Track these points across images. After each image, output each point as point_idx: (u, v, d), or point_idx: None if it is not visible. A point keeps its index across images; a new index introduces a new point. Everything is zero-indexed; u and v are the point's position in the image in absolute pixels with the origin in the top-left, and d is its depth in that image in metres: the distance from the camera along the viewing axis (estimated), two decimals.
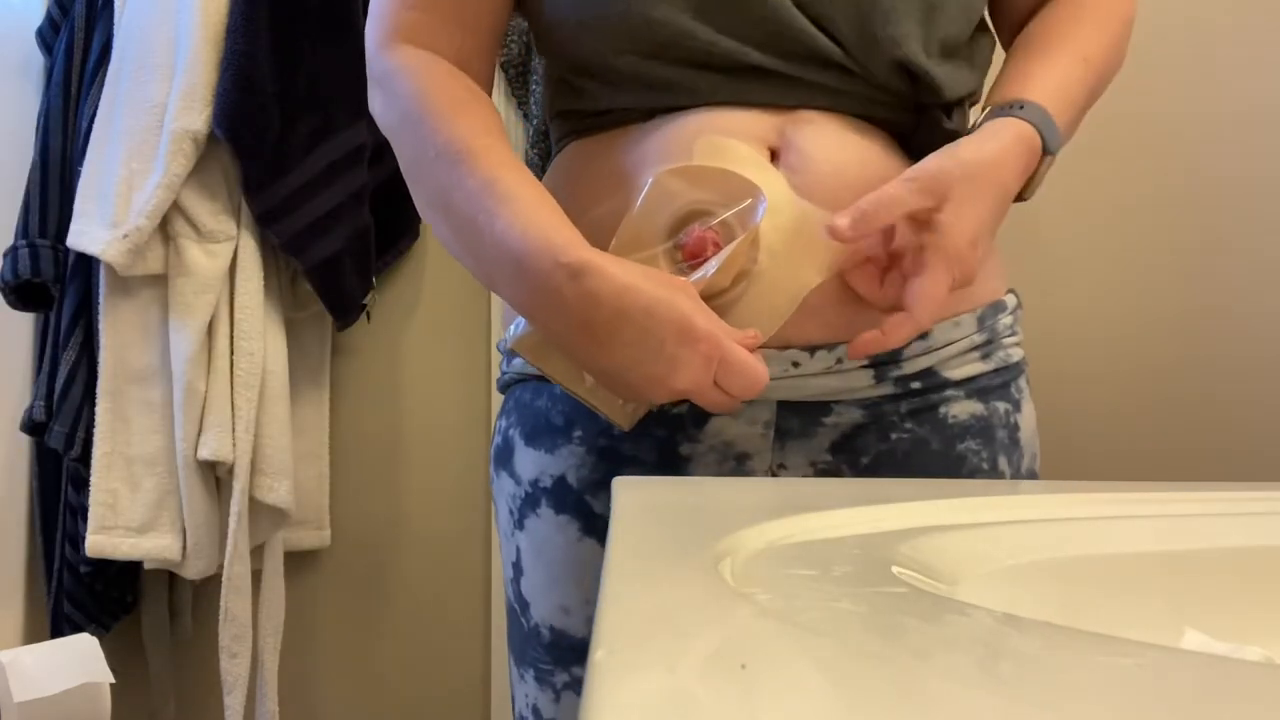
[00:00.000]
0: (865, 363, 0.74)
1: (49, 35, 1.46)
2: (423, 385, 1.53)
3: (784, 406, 0.75)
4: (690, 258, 0.69)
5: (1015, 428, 0.79)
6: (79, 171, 1.31)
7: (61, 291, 1.36)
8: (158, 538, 1.28)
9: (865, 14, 0.73)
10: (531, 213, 0.67)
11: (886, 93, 0.75)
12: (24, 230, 1.37)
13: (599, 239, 0.69)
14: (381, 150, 1.46)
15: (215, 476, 1.32)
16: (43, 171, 1.39)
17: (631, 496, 0.51)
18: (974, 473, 0.76)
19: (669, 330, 0.63)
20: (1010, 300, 0.81)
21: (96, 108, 1.32)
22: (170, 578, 1.47)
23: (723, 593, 0.31)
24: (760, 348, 0.69)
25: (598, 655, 0.24)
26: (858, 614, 0.30)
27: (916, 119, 0.76)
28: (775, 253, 0.69)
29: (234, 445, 1.28)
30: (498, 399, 1.51)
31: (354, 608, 1.52)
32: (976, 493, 0.54)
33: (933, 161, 0.70)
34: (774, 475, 0.76)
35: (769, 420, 0.75)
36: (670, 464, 0.75)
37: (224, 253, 1.31)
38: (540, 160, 1.41)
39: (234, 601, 1.28)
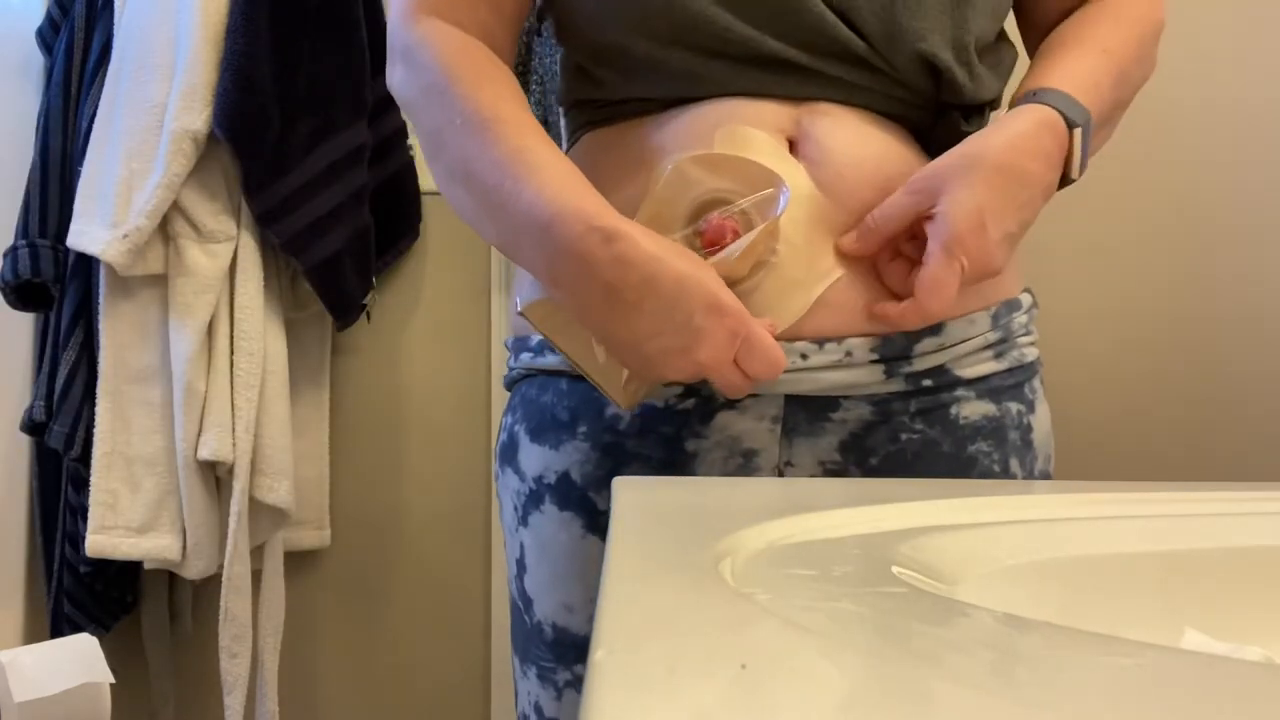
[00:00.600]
0: (875, 357, 0.73)
1: (49, 35, 1.46)
2: (423, 385, 1.53)
3: (791, 401, 0.74)
4: (709, 245, 0.68)
5: (1028, 429, 0.78)
6: (79, 171, 1.31)
7: (61, 291, 1.36)
8: (158, 538, 1.28)
9: (891, 4, 0.73)
10: (562, 180, 0.67)
11: (906, 89, 0.75)
12: (24, 230, 1.37)
13: None
14: (381, 150, 1.46)
15: (215, 476, 1.32)
16: (43, 171, 1.39)
17: (631, 496, 0.51)
18: (985, 475, 0.75)
19: (698, 302, 0.63)
20: (1025, 299, 0.81)
21: (96, 108, 1.32)
22: (170, 578, 1.47)
23: (723, 593, 0.31)
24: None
25: (598, 655, 0.24)
26: (858, 614, 0.30)
27: (935, 119, 0.76)
28: (794, 244, 0.69)
29: (234, 445, 1.28)
30: (498, 399, 1.51)
31: (354, 608, 1.52)
32: (976, 493, 0.54)
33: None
34: (781, 472, 0.75)
35: (776, 415, 0.74)
36: (676, 460, 0.75)
37: (224, 253, 1.31)
38: None
39: (234, 601, 1.28)
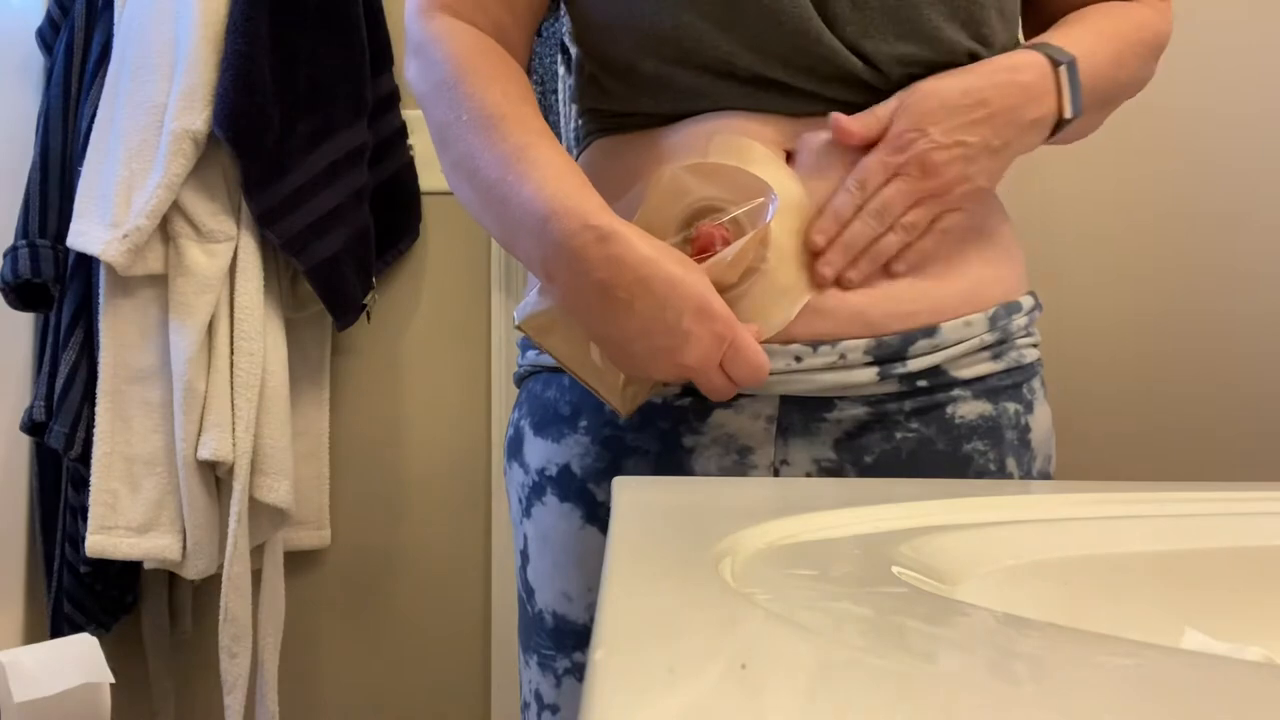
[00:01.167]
0: (869, 359, 0.73)
1: (49, 35, 1.46)
2: (423, 385, 1.53)
3: (786, 402, 0.75)
4: (699, 252, 0.69)
5: (1026, 429, 0.78)
6: (79, 171, 1.31)
7: (61, 291, 1.36)
8: (158, 538, 1.28)
9: (902, 38, 0.73)
10: (561, 177, 0.68)
11: None
12: (24, 230, 1.37)
13: None
14: (381, 150, 1.46)
15: (215, 476, 1.32)
16: (43, 171, 1.39)
17: (631, 496, 0.51)
18: (980, 474, 0.76)
19: (688, 305, 0.64)
20: (1027, 301, 0.81)
21: (96, 108, 1.32)
22: (170, 578, 1.47)
23: (723, 593, 0.31)
24: (763, 342, 0.69)
25: (598, 655, 0.24)
26: (858, 614, 0.30)
27: None
28: (784, 252, 0.70)
29: (234, 445, 1.28)
30: (498, 398, 1.51)
31: (354, 608, 1.52)
32: (976, 493, 0.54)
33: None
34: (776, 470, 0.76)
35: (771, 415, 0.75)
36: (673, 455, 0.76)
37: (224, 253, 1.31)
38: None
39: (234, 601, 1.28)
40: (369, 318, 1.47)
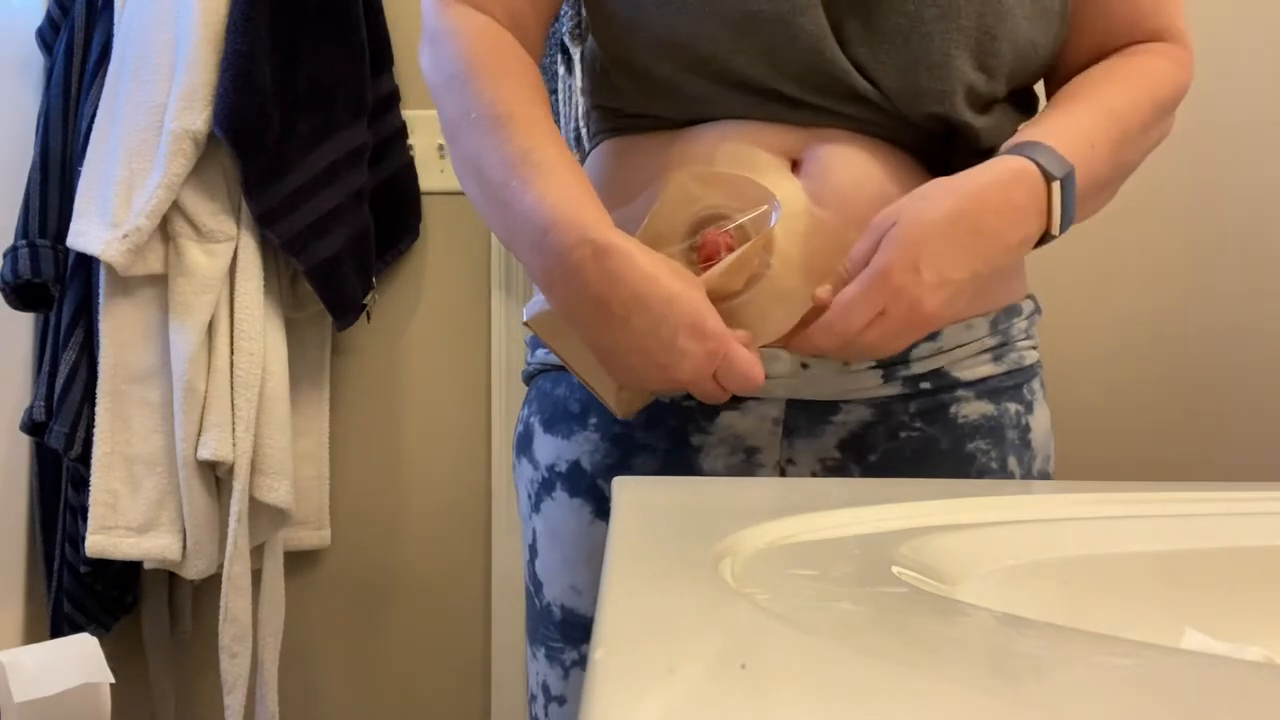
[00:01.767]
0: (873, 363, 0.74)
1: (49, 35, 1.46)
2: (423, 385, 1.53)
3: (793, 405, 0.76)
4: (705, 260, 0.70)
5: (1026, 429, 0.79)
6: (79, 171, 1.31)
7: (61, 291, 1.36)
8: (158, 538, 1.28)
9: (912, 65, 0.73)
10: (564, 187, 0.68)
11: (917, 130, 0.76)
12: (24, 230, 1.37)
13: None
14: (381, 150, 1.46)
15: (215, 476, 1.32)
16: (43, 171, 1.39)
17: (631, 496, 0.51)
18: (983, 472, 0.77)
19: (683, 323, 0.64)
20: (1027, 305, 0.82)
21: (96, 108, 1.32)
22: (170, 578, 1.47)
23: (723, 593, 0.31)
24: (769, 346, 0.70)
25: (598, 654, 0.24)
26: (858, 614, 0.30)
27: (942, 146, 0.77)
28: (788, 259, 0.70)
29: (234, 445, 1.28)
30: (498, 399, 1.51)
31: (354, 608, 1.52)
32: (976, 493, 0.54)
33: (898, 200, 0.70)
34: (783, 469, 0.77)
35: (778, 418, 0.76)
36: (681, 452, 0.77)
37: (224, 253, 1.31)
38: None
39: (234, 601, 1.28)
40: (369, 318, 1.47)
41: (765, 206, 0.70)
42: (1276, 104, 1.44)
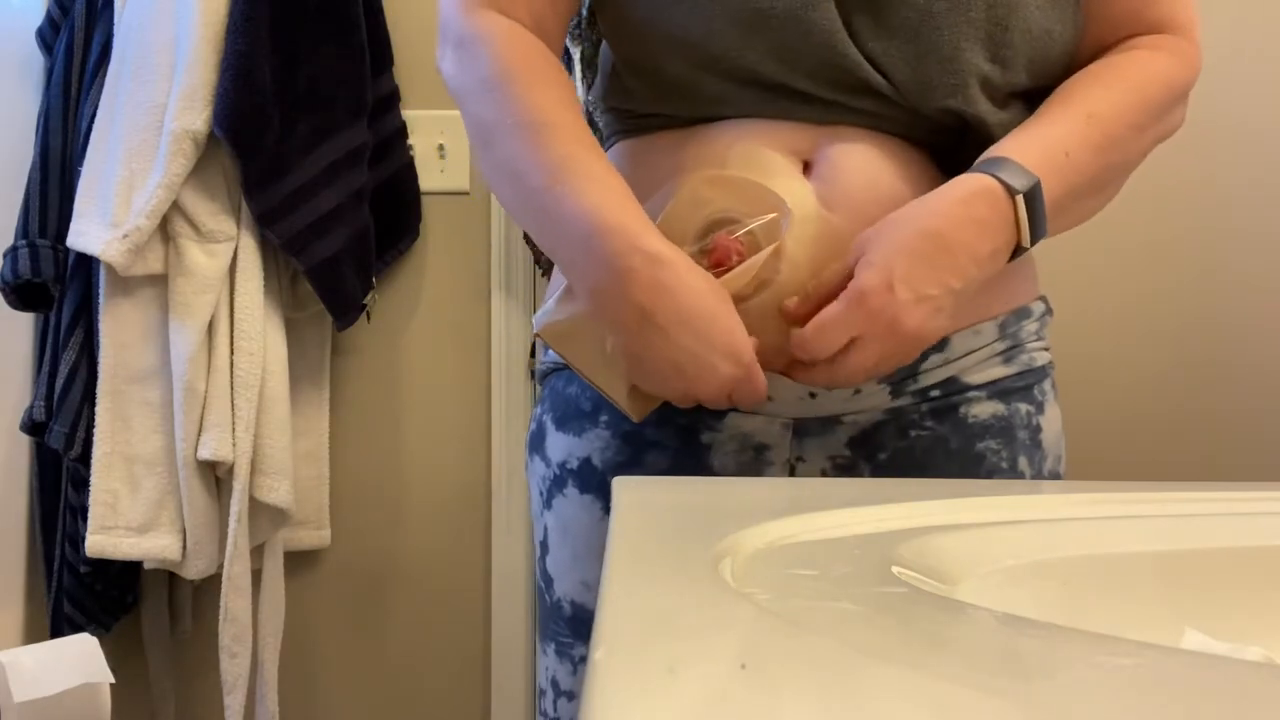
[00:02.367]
0: (879, 381, 0.75)
1: (49, 35, 1.46)
2: (423, 385, 1.53)
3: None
4: (715, 264, 0.71)
5: (1037, 429, 0.79)
6: (79, 171, 1.31)
7: (61, 291, 1.36)
8: (158, 538, 1.28)
9: (923, 58, 0.73)
10: (609, 192, 0.70)
11: (932, 124, 0.76)
12: (24, 230, 1.37)
13: None
14: (381, 150, 1.46)
15: (215, 476, 1.32)
16: (43, 171, 1.39)
17: (631, 496, 0.51)
18: (993, 472, 0.77)
19: (721, 344, 0.67)
20: (1037, 307, 0.82)
21: (96, 108, 1.32)
22: (170, 578, 1.47)
23: (723, 593, 0.31)
24: (770, 371, 0.71)
25: (598, 654, 0.24)
26: (858, 614, 0.30)
27: (958, 142, 0.77)
28: (796, 264, 0.71)
29: (234, 445, 1.28)
30: (498, 399, 1.51)
31: (354, 608, 1.52)
32: (976, 493, 0.54)
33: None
34: (792, 467, 0.78)
35: (787, 422, 0.77)
36: (691, 450, 0.78)
37: (224, 253, 1.31)
38: None
39: (234, 601, 1.28)
40: (369, 318, 1.47)
41: (776, 214, 0.70)
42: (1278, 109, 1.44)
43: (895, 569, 0.36)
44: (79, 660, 0.81)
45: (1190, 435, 1.42)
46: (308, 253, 1.33)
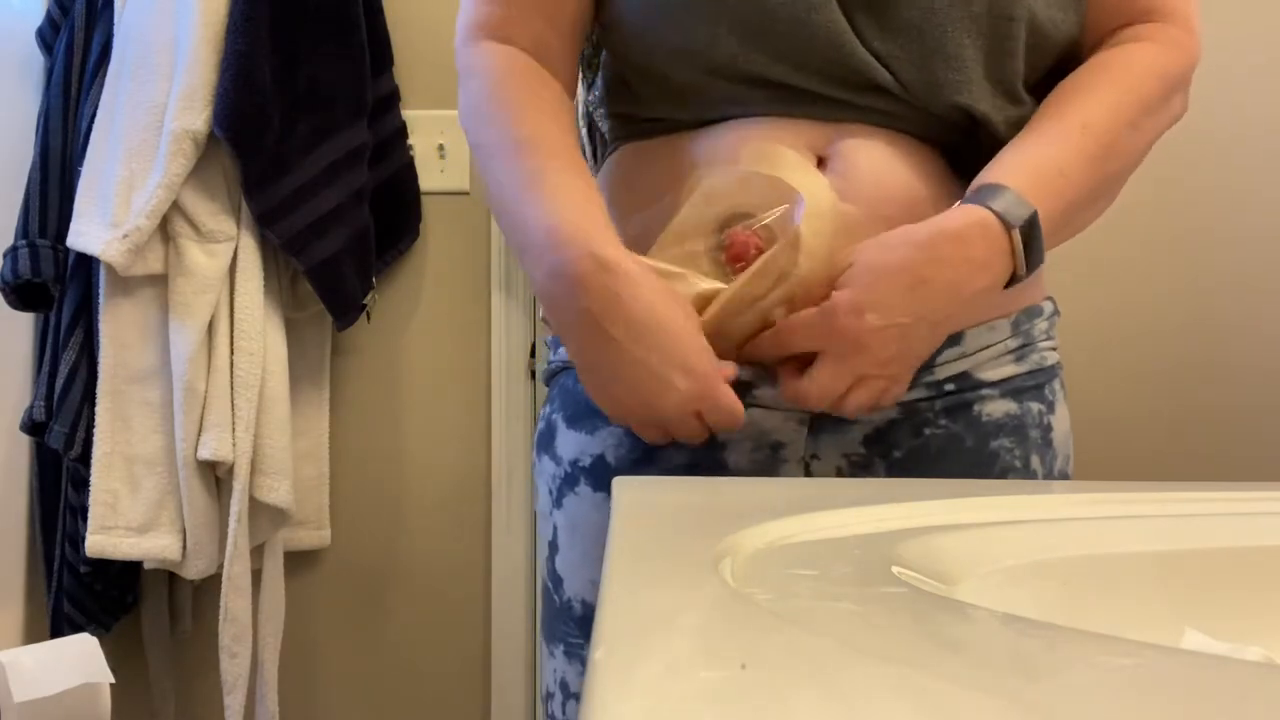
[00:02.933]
0: None
1: (49, 35, 1.46)
2: (423, 385, 1.53)
3: None
4: (733, 259, 0.71)
5: (1048, 428, 0.79)
6: (79, 171, 1.31)
7: (61, 291, 1.36)
8: (158, 538, 1.28)
9: (928, 56, 0.73)
10: (571, 203, 0.71)
11: (940, 121, 0.76)
12: (24, 230, 1.37)
13: (646, 238, 0.73)
14: (381, 150, 1.46)
15: (215, 476, 1.32)
16: (43, 171, 1.39)
17: (631, 496, 0.51)
18: (1006, 471, 0.77)
19: (676, 357, 0.66)
20: (1047, 306, 0.82)
21: (96, 108, 1.32)
22: (170, 578, 1.47)
23: (723, 593, 0.31)
24: (754, 363, 0.71)
25: (598, 655, 0.24)
26: (858, 614, 0.30)
27: (968, 140, 0.77)
28: (817, 258, 0.71)
29: (234, 445, 1.28)
30: (498, 399, 1.51)
31: (354, 608, 1.52)
32: (976, 493, 0.54)
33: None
34: (807, 464, 0.77)
35: (803, 418, 0.77)
36: (707, 447, 0.77)
37: (224, 253, 1.31)
38: None
39: (234, 601, 1.28)
40: (369, 318, 1.47)
41: (786, 205, 0.70)
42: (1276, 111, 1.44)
43: (895, 569, 0.36)
44: (79, 660, 0.81)
45: (1190, 435, 1.42)
46: (308, 253, 1.33)
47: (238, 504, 1.28)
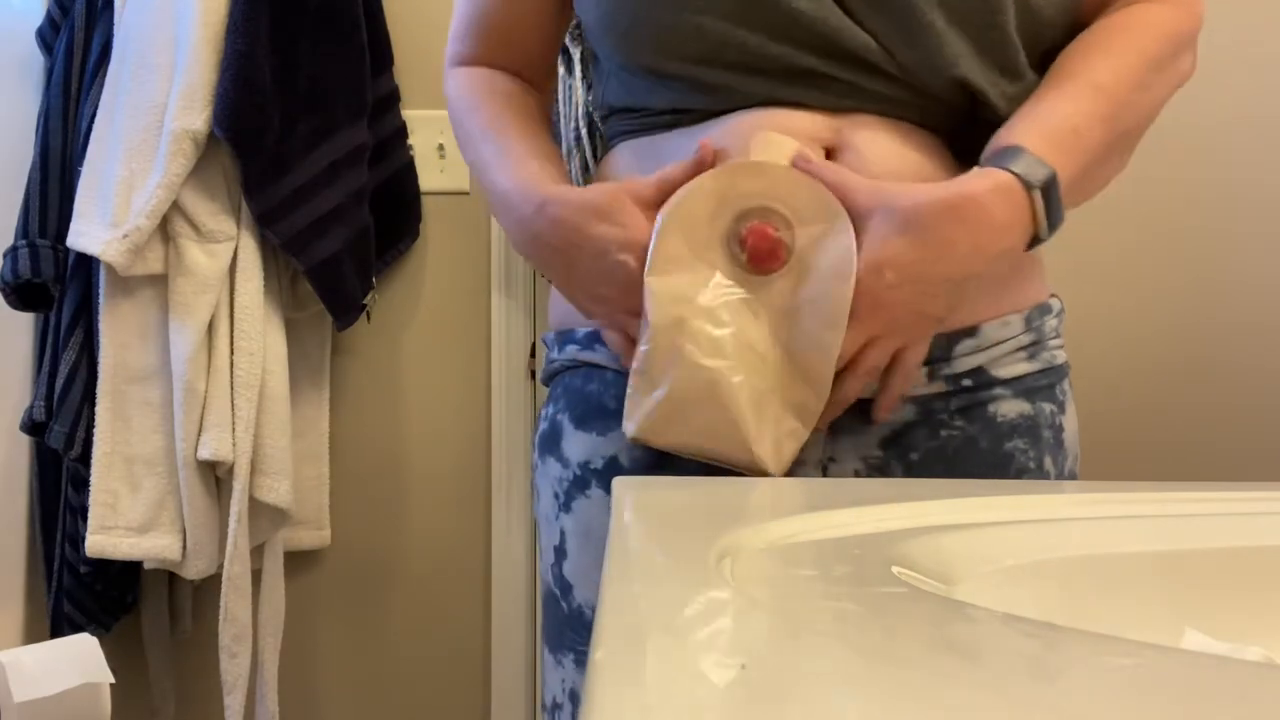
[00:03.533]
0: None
1: (49, 35, 1.46)
2: (423, 385, 1.53)
3: None
4: (753, 253, 0.70)
5: (1060, 429, 0.80)
6: (79, 171, 1.31)
7: (61, 291, 1.36)
8: (158, 538, 1.28)
9: (915, 36, 0.73)
10: (520, 166, 0.80)
11: (943, 104, 0.76)
12: (24, 230, 1.37)
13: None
14: (381, 150, 1.46)
15: (215, 476, 1.32)
16: (43, 171, 1.39)
17: (631, 496, 0.51)
18: (1021, 472, 0.77)
19: (613, 237, 0.72)
20: (1055, 304, 0.82)
21: (96, 108, 1.32)
22: (170, 578, 1.47)
23: (723, 592, 0.31)
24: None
25: (598, 655, 0.24)
26: (858, 614, 0.30)
27: (970, 125, 0.76)
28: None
29: (234, 445, 1.28)
30: (497, 399, 1.51)
31: (354, 608, 1.52)
32: (976, 493, 0.54)
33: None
34: (824, 467, 0.77)
35: None
36: None
37: (224, 253, 1.31)
38: None
39: (234, 601, 1.28)
40: (369, 318, 1.47)
41: (827, 225, 0.69)
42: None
43: (895, 569, 0.36)
44: (79, 660, 0.81)
45: (1190, 435, 1.42)
46: (308, 253, 1.33)
47: (238, 504, 1.28)
